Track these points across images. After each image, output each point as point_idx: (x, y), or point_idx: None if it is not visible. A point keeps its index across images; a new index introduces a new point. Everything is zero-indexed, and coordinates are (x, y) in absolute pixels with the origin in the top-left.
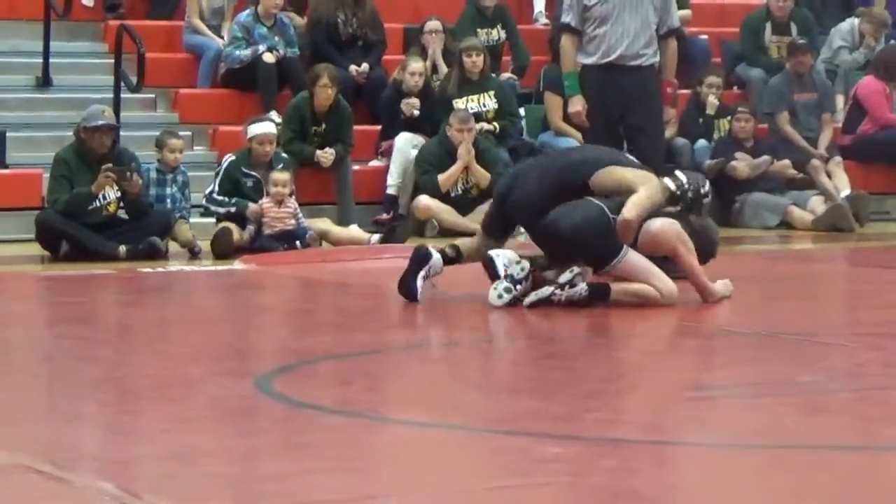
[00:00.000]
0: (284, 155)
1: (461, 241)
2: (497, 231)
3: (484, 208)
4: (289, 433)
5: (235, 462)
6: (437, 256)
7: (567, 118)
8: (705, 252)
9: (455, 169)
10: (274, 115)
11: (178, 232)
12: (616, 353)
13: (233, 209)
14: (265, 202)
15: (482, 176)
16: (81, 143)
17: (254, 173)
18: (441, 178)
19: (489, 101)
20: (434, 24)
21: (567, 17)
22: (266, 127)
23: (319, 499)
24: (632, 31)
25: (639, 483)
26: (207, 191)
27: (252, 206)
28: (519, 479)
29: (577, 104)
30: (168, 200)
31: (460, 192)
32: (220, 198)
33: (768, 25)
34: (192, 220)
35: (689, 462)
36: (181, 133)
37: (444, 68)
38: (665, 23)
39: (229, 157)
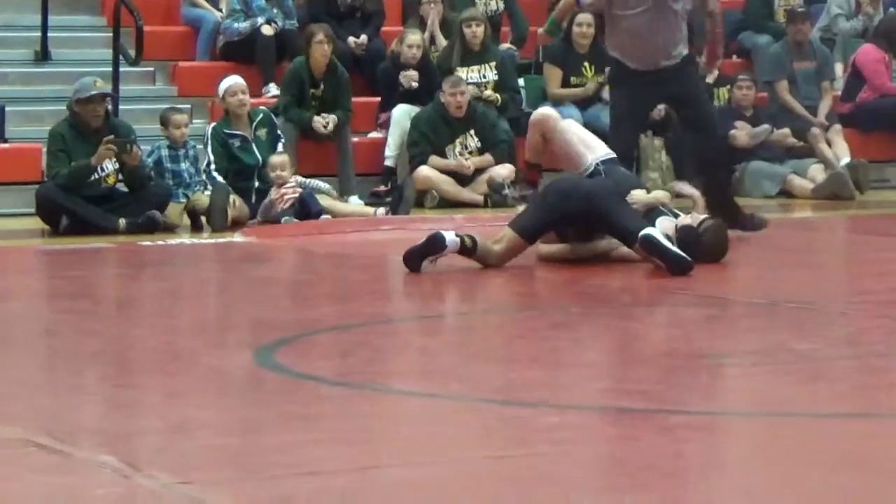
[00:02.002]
0: (262, 108)
1: (482, 241)
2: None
3: (485, 177)
4: (289, 405)
5: (235, 434)
6: (451, 246)
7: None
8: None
9: (449, 162)
10: (273, 87)
11: (196, 203)
12: (618, 322)
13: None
14: (272, 194)
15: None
16: (75, 116)
17: (238, 132)
18: (432, 159)
19: (489, 73)
20: None
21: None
22: (234, 80)
23: (320, 469)
24: (665, 41)
25: (640, 452)
26: (204, 164)
27: (263, 203)
28: (520, 449)
29: None
30: (185, 175)
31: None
32: (215, 175)
33: None
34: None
35: (691, 430)
36: (180, 107)
37: (442, 40)
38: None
39: (212, 125)
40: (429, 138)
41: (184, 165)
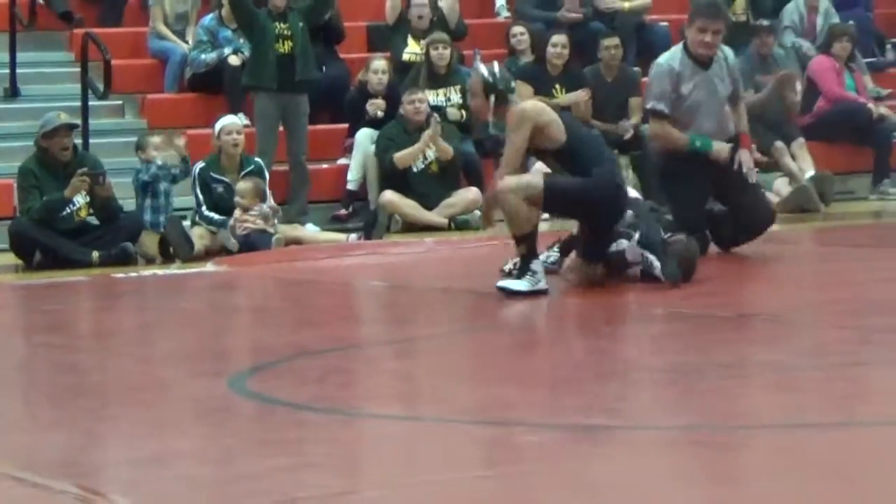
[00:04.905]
0: (257, 159)
1: None
2: None
3: (452, 201)
4: (263, 431)
5: (210, 462)
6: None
7: None
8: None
9: (412, 150)
10: (241, 116)
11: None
12: (587, 340)
13: (223, 228)
14: (236, 214)
15: (444, 149)
16: (43, 151)
17: (224, 178)
18: (397, 155)
19: (454, 95)
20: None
21: (661, 106)
22: (231, 119)
23: (297, 496)
24: (715, 114)
25: (613, 469)
26: (195, 205)
27: (230, 222)
28: (495, 469)
29: (723, 149)
30: (161, 197)
31: (421, 167)
32: (209, 214)
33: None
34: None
35: (662, 446)
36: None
37: None
38: (737, 92)
39: (199, 164)
40: (395, 142)
41: (162, 186)
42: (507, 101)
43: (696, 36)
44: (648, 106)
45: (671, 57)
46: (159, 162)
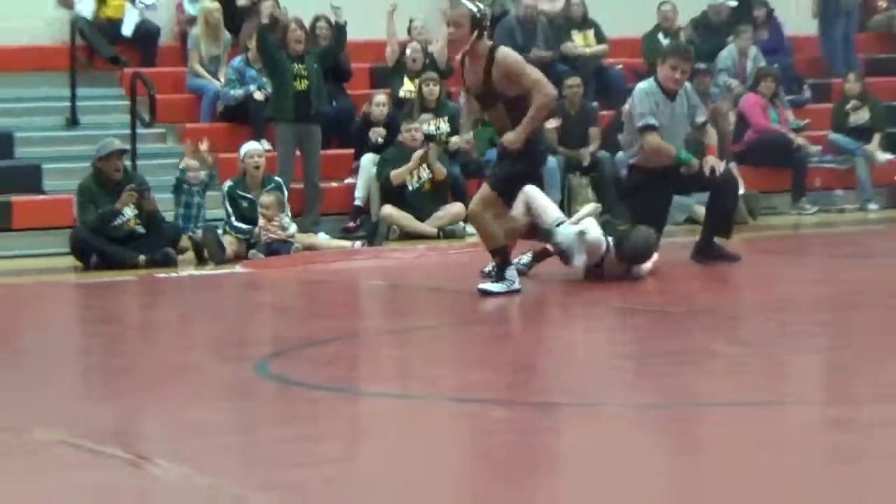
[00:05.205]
0: (277, 178)
1: None
2: None
3: (441, 214)
4: (282, 407)
5: (237, 432)
6: None
7: None
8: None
9: (405, 168)
10: (264, 142)
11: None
12: (553, 331)
13: (250, 237)
14: (260, 223)
15: (439, 170)
16: (99, 171)
17: (248, 195)
18: (392, 173)
19: (443, 125)
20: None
21: (651, 120)
22: (253, 145)
23: (310, 461)
24: (679, 139)
25: (575, 440)
26: (225, 217)
27: (255, 230)
28: (472, 439)
29: (695, 164)
30: (194, 207)
31: (416, 185)
32: (238, 224)
33: (660, 36)
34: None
35: (620, 421)
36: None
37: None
38: (696, 117)
39: (227, 183)
40: (393, 164)
41: (197, 199)
42: (482, 38)
43: (668, 73)
44: (640, 123)
45: (649, 86)
46: (181, 166)
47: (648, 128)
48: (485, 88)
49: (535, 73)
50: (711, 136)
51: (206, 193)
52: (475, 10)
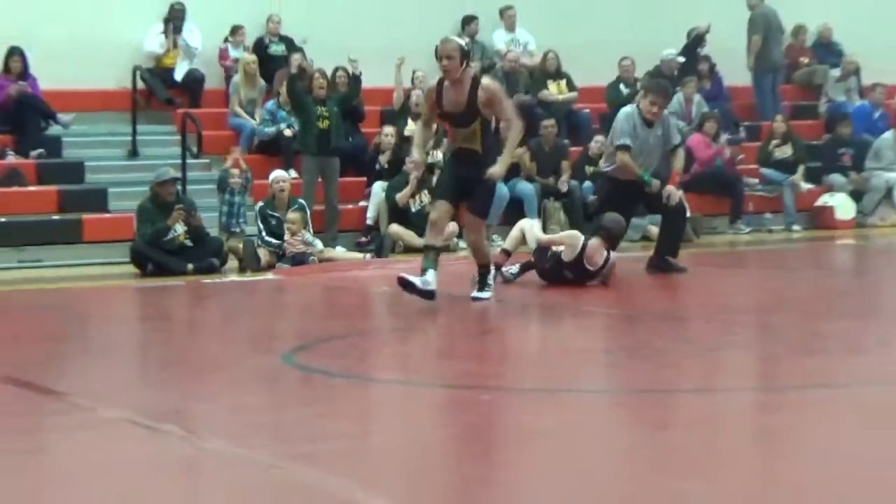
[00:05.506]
0: (301, 200)
1: None
2: None
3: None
4: (305, 391)
5: (268, 412)
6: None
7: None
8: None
9: (406, 190)
10: (292, 171)
11: (233, 248)
12: (530, 330)
13: (278, 249)
14: (286, 238)
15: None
16: (156, 194)
17: (277, 214)
18: (397, 196)
19: (439, 155)
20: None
21: (626, 140)
22: (279, 172)
23: (329, 435)
24: (652, 161)
25: (548, 420)
26: (258, 232)
27: (282, 245)
28: (460, 418)
29: (656, 185)
30: (236, 205)
31: (418, 207)
32: (269, 239)
33: (621, 86)
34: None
35: (585, 404)
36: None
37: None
38: (669, 144)
39: (259, 204)
40: (398, 190)
41: (237, 199)
42: (468, 67)
43: (648, 106)
44: (618, 142)
45: (631, 111)
46: (225, 166)
47: (622, 147)
48: (467, 109)
49: (511, 107)
50: (678, 161)
51: (245, 195)
52: (462, 44)
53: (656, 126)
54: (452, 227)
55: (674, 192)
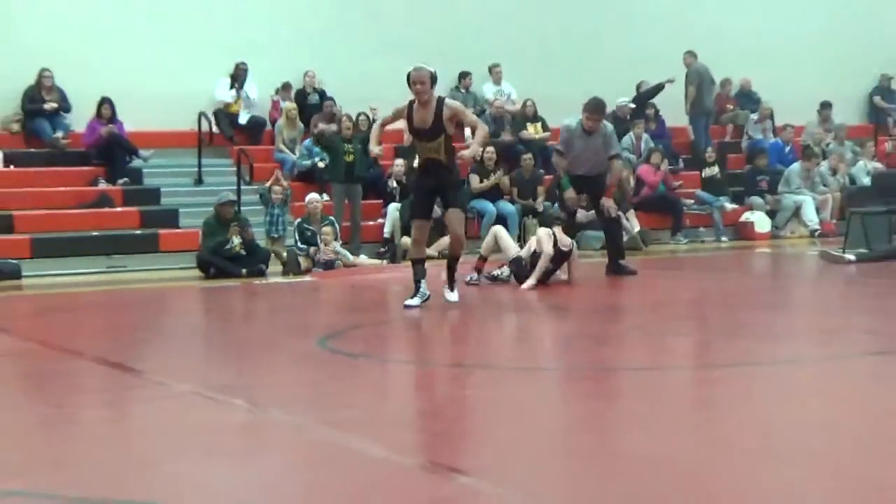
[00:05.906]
0: (331, 217)
1: None
2: None
3: (440, 242)
4: (335, 369)
5: (305, 386)
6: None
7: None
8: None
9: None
10: (324, 195)
11: (277, 253)
12: (510, 320)
13: (307, 253)
14: (321, 247)
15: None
16: (218, 213)
17: (311, 228)
18: (408, 214)
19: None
20: None
21: (559, 147)
22: (313, 195)
23: (354, 405)
24: (591, 162)
25: (527, 392)
26: (293, 241)
27: (311, 250)
28: (460, 392)
29: (569, 195)
30: (275, 216)
31: None
32: (302, 246)
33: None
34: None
35: (556, 380)
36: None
37: None
38: (609, 152)
39: (298, 220)
40: (408, 209)
41: (277, 210)
42: (434, 88)
43: (585, 120)
44: (557, 147)
45: (571, 124)
46: (267, 185)
47: (556, 151)
48: (434, 125)
49: (474, 115)
50: (615, 170)
51: (285, 208)
52: (432, 70)
53: (596, 135)
54: (445, 241)
55: (611, 204)
